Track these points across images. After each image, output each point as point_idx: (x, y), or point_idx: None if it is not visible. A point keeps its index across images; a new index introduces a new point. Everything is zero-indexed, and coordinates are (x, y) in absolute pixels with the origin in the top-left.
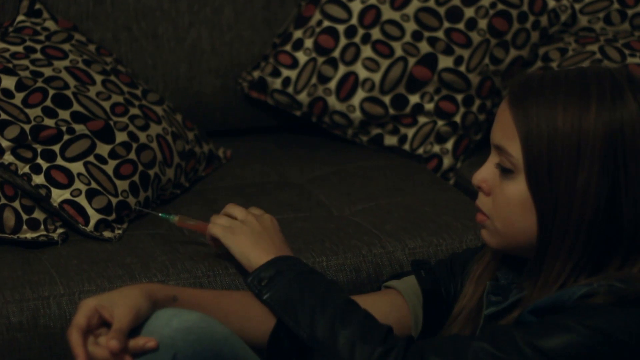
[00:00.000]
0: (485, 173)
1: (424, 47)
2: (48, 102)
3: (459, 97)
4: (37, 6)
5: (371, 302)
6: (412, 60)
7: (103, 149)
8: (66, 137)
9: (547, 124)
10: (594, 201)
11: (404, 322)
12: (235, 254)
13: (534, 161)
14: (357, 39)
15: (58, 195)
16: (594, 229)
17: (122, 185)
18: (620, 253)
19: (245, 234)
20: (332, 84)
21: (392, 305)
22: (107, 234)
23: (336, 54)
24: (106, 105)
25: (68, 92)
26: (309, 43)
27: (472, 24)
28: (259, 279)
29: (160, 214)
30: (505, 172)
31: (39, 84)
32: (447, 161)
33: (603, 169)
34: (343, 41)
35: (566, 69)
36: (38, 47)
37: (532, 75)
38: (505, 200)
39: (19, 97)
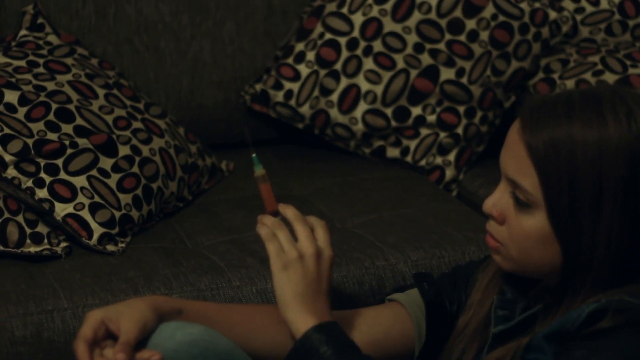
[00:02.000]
0: (497, 201)
1: (426, 59)
2: (51, 116)
3: (461, 109)
4: (40, 20)
5: (374, 315)
6: (413, 72)
7: (106, 162)
8: (69, 151)
9: (566, 162)
10: (619, 231)
11: (407, 334)
12: (276, 289)
13: (555, 201)
14: (358, 52)
15: (61, 209)
16: (619, 257)
17: (125, 198)
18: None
19: (297, 277)
20: (334, 97)
21: (395, 318)
22: (110, 247)
23: (338, 66)
24: (109, 119)
25: (71, 106)
26: (310, 56)
27: (473, 35)
28: (304, 351)
29: (253, 155)
30: (522, 205)
31: (42, 98)
32: (449, 173)
33: (625, 203)
34: (345, 54)
35: (574, 94)
36: (41, 61)
37: (544, 103)
38: (523, 233)
39: (22, 112)
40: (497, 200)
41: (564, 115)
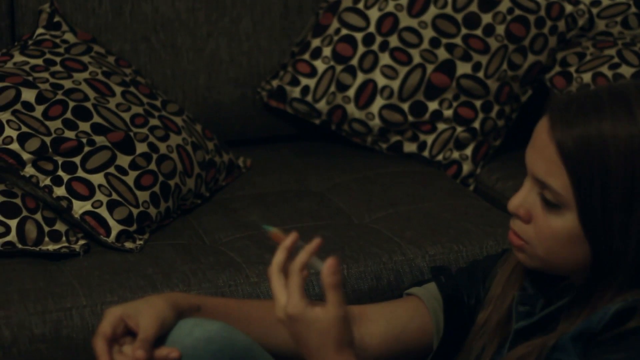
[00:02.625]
0: (524, 200)
1: (442, 53)
2: (68, 114)
3: (478, 103)
4: (56, 19)
5: (393, 309)
6: (430, 67)
7: (123, 160)
8: (87, 148)
9: (598, 160)
10: None
11: (426, 328)
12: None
13: (587, 201)
14: (375, 47)
15: (79, 207)
16: None
17: (142, 196)
18: None
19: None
20: (351, 92)
21: (414, 311)
22: (128, 244)
23: (354, 61)
24: (126, 116)
25: (88, 104)
26: (327, 51)
27: (489, 30)
28: None
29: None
30: (551, 205)
31: (59, 96)
32: (466, 167)
33: None
34: (361, 49)
35: (602, 91)
36: (58, 59)
37: (572, 102)
38: (551, 233)
39: (39, 110)
40: (524, 199)
41: (593, 113)
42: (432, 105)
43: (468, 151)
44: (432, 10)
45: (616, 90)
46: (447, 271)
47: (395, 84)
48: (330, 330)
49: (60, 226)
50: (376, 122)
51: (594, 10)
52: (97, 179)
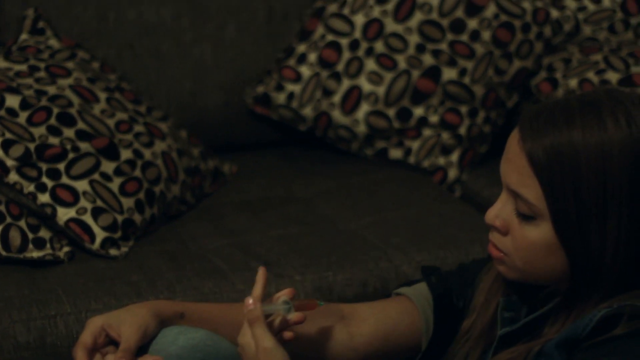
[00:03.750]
0: (500, 212)
1: (428, 59)
2: (52, 121)
3: (464, 109)
4: (41, 24)
5: (382, 308)
6: (415, 73)
7: (108, 166)
8: (71, 155)
9: (570, 170)
10: (627, 239)
11: (415, 328)
12: None
13: (561, 211)
14: (360, 53)
15: (64, 214)
16: (629, 261)
17: (127, 202)
18: None
19: None
20: (336, 98)
21: (403, 311)
22: (113, 251)
23: (340, 67)
24: (110, 122)
25: (72, 110)
26: (312, 57)
27: (475, 35)
28: None
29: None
30: (525, 216)
31: (43, 102)
32: (452, 173)
33: (631, 206)
34: (346, 55)
35: (572, 100)
36: (42, 65)
37: (542, 112)
38: (527, 244)
39: (23, 116)
40: (499, 211)
41: (563, 122)
42: (418, 111)
43: (454, 157)
44: (418, 16)
45: (587, 99)
46: (438, 271)
47: (380, 90)
48: None
49: (44, 233)
50: (362, 129)
51: (580, 16)
52: (82, 185)
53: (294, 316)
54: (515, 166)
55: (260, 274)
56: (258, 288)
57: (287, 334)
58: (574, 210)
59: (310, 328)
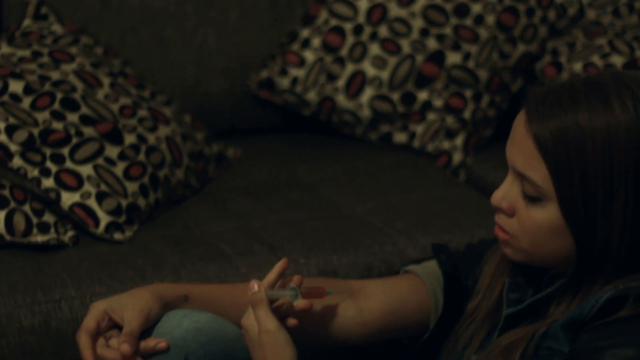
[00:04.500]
0: (506, 194)
1: (432, 43)
2: (56, 106)
3: (468, 93)
4: (44, 10)
5: (392, 285)
6: (420, 57)
7: (112, 151)
8: (75, 140)
9: (576, 151)
10: (633, 221)
11: (424, 305)
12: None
13: (567, 192)
14: (364, 37)
15: (68, 199)
16: (635, 244)
17: (131, 187)
18: None
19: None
20: (340, 83)
21: (412, 288)
22: (117, 236)
23: (344, 52)
24: (114, 107)
25: (76, 95)
26: (316, 42)
27: (479, 19)
28: None
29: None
30: (532, 198)
31: (47, 87)
32: (456, 157)
33: (637, 189)
34: (350, 39)
35: (578, 82)
36: (45, 50)
37: (548, 94)
38: (534, 225)
39: (27, 101)
40: (506, 193)
41: (569, 105)
42: (422, 96)
43: (458, 141)
44: (422, 1)
45: (592, 81)
46: (447, 250)
47: (385, 75)
48: (264, 344)
49: (48, 218)
50: (366, 113)
51: (585, 0)
52: (86, 170)
53: (300, 303)
54: (521, 148)
55: (280, 264)
56: (272, 274)
57: (291, 321)
58: (580, 192)
59: (318, 304)
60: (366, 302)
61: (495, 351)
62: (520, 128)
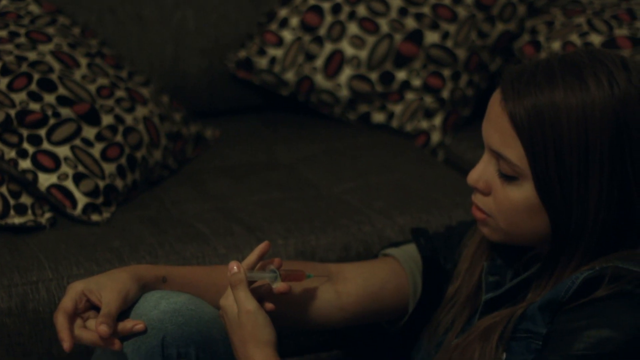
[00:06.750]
0: (482, 173)
1: (410, 23)
2: (33, 87)
3: (446, 73)
4: None
5: (370, 269)
6: (398, 37)
7: (89, 132)
8: (52, 121)
9: (551, 129)
10: (608, 199)
11: (403, 289)
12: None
13: (542, 170)
14: (342, 17)
15: (45, 180)
16: (609, 222)
17: (109, 168)
18: (631, 237)
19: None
20: (319, 62)
21: (390, 272)
22: (95, 217)
23: (322, 32)
24: (92, 88)
25: (53, 76)
26: (294, 22)
27: None
28: None
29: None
30: (508, 177)
31: (24, 68)
32: (435, 137)
33: (612, 167)
34: (329, 19)
35: (554, 60)
36: (22, 31)
37: (523, 72)
38: (510, 204)
39: (3, 82)
40: (482, 172)
41: (545, 83)
42: (401, 75)
43: (437, 121)
44: None
45: (568, 59)
46: (426, 233)
47: (363, 54)
48: (243, 325)
49: (25, 199)
50: (344, 93)
51: None
52: (63, 151)
53: (279, 285)
54: (497, 127)
55: (262, 246)
56: (252, 256)
57: (269, 305)
58: (556, 170)
59: (297, 287)
60: (344, 286)
61: (474, 334)
62: (495, 106)
